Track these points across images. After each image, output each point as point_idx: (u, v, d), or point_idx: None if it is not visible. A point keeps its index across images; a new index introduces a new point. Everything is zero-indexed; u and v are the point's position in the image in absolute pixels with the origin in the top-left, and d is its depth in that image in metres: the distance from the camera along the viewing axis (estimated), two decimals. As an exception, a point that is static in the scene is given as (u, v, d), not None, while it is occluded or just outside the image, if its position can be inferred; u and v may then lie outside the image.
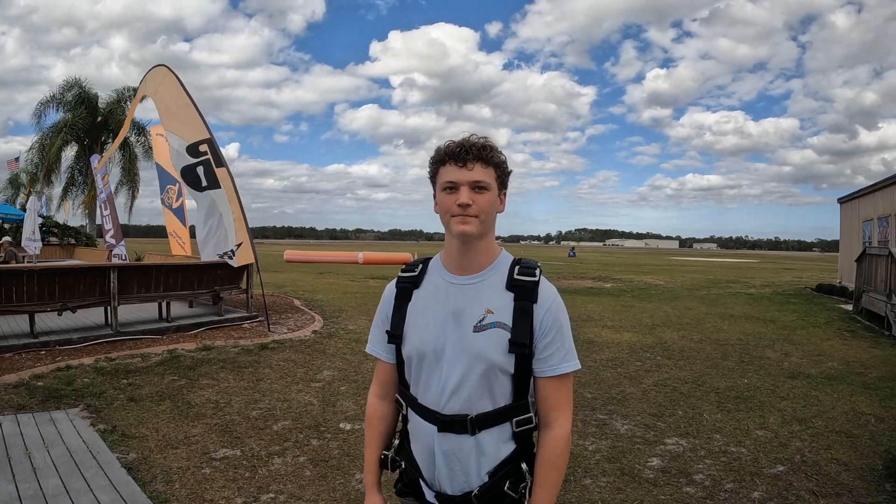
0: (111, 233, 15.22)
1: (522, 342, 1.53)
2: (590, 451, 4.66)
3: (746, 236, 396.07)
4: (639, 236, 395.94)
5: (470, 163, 1.52)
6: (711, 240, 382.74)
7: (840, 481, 4.16)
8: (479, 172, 1.53)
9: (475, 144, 1.53)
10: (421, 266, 1.70)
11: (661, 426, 5.32)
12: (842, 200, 20.94)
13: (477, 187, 1.52)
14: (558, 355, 1.57)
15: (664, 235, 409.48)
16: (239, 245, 9.97)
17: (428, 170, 1.62)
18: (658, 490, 3.99)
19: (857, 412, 5.81)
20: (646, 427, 5.28)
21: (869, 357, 8.56)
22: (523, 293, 1.56)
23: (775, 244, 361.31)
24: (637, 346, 9.18)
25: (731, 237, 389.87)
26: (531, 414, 1.60)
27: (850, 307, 14.34)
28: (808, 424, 5.41)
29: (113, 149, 17.27)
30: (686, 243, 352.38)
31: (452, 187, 1.53)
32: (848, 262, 18.09)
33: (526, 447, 1.62)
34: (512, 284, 1.58)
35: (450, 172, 1.54)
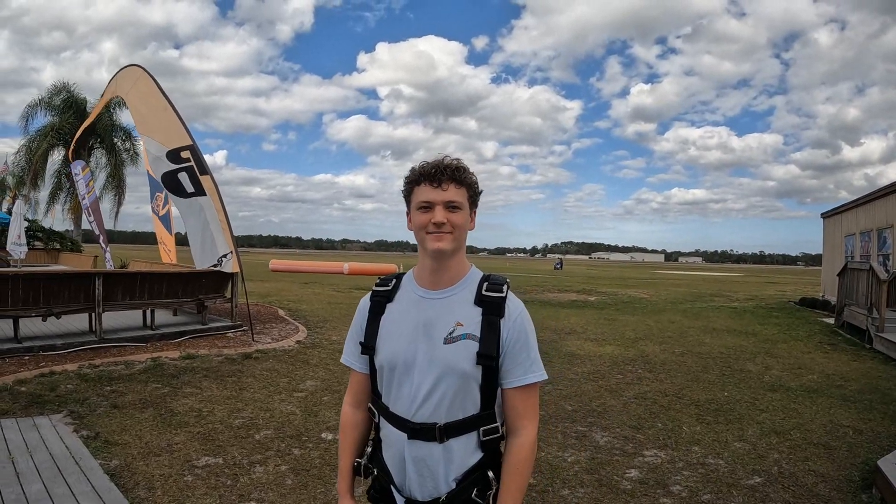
0: (101, 238, 15.19)
1: (490, 354, 1.61)
2: (568, 463, 4.71)
3: (731, 250, 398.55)
4: (624, 249, 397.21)
5: (444, 183, 1.61)
6: (697, 253, 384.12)
7: (816, 492, 4.25)
8: (453, 192, 1.62)
9: (449, 166, 1.63)
10: (394, 281, 1.78)
11: (641, 438, 5.38)
12: (825, 215, 21.23)
13: (450, 206, 1.61)
14: (524, 366, 1.65)
15: (650, 249, 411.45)
16: (227, 254, 9.93)
17: (402, 188, 1.71)
18: (635, 501, 4.05)
19: (836, 424, 5.91)
20: (625, 439, 5.35)
21: (849, 370, 8.68)
22: (491, 308, 1.64)
23: (760, 258, 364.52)
24: (619, 358, 9.26)
25: (716, 251, 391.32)
26: (497, 424, 1.68)
27: (832, 321, 14.51)
28: (787, 436, 5.50)
29: (77, 136, 17.04)
30: (671, 257, 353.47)
31: (427, 206, 1.62)
32: (831, 275, 18.30)
33: (493, 456, 1.69)
34: (480, 300, 1.66)
35: (425, 192, 1.63)
